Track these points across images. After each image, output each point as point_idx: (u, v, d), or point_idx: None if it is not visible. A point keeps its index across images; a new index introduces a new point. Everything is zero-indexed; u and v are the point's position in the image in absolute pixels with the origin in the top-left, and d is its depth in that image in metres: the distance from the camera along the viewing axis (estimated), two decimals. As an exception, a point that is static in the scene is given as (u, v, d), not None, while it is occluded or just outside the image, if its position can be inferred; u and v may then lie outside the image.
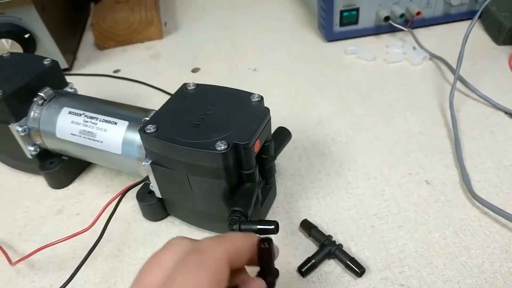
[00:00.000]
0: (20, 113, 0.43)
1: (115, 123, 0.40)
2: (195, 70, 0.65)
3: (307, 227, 0.39)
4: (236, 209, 0.33)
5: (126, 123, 0.40)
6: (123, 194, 0.38)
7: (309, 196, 0.43)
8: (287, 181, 0.44)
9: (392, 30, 0.66)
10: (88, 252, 0.32)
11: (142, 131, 0.34)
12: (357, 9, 0.64)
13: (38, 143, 0.45)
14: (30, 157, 0.45)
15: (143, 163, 0.37)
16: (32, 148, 0.45)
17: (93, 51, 0.73)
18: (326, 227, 0.39)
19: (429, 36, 0.64)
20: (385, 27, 0.66)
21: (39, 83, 0.44)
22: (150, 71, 0.65)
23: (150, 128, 0.34)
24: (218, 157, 0.32)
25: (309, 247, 0.38)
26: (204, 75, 0.63)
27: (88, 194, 0.46)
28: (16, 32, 0.60)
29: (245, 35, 0.72)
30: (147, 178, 0.39)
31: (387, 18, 0.64)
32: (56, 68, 0.47)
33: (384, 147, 0.47)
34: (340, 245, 0.37)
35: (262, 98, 0.37)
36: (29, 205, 0.45)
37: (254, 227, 0.32)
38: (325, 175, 0.45)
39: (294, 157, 0.47)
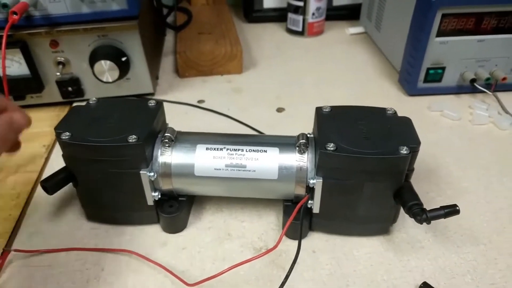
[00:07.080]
0: (149, 158, 0.41)
1: (265, 151, 0.41)
2: (280, 110, 0.65)
3: (428, 290, 0.39)
4: (414, 203, 0.38)
5: (277, 149, 0.41)
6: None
7: (420, 256, 0.43)
8: (395, 238, 0.44)
9: (473, 91, 0.67)
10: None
11: (323, 149, 0.38)
12: (443, 68, 0.66)
13: (160, 186, 0.43)
14: (151, 203, 0.43)
15: (313, 180, 0.40)
16: (156, 194, 0.43)
17: (174, 78, 0.74)
18: (444, 292, 0.39)
19: (512, 101, 0.66)
20: (466, 87, 0.67)
21: (157, 125, 0.44)
22: (235, 106, 0.66)
23: (330, 146, 0.38)
24: (403, 160, 0.38)
25: (430, 312, 0.38)
26: (289, 116, 0.64)
27: (191, 229, 0.46)
28: (115, 55, 0.61)
29: (327, 80, 0.73)
30: (295, 198, 0.43)
31: (473, 80, 0.65)
32: (161, 109, 0.45)
33: (488, 213, 0.47)
34: (467, 314, 0.36)
35: (395, 110, 0.43)
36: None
37: (441, 212, 0.38)
38: (432, 236, 0.45)
39: (398, 213, 0.47)
